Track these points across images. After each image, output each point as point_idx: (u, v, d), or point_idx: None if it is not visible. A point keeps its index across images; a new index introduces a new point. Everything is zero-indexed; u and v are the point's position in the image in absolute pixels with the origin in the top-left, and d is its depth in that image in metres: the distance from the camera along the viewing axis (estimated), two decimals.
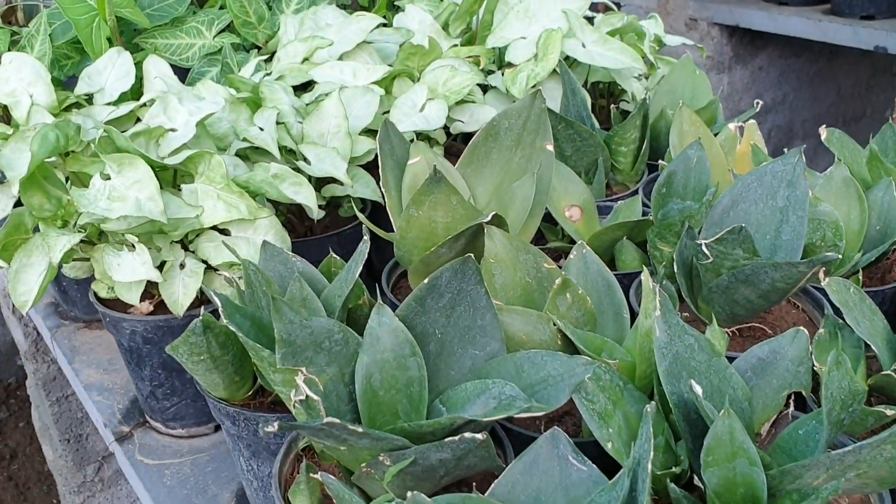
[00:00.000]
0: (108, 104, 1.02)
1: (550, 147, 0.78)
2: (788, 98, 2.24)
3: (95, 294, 0.81)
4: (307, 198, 0.81)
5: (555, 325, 0.63)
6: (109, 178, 0.75)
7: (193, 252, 0.78)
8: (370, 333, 0.57)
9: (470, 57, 1.12)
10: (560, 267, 0.70)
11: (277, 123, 0.88)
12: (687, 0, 1.97)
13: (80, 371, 0.96)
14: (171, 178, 0.81)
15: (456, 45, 1.18)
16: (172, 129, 0.81)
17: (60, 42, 1.18)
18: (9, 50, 1.19)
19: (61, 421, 1.36)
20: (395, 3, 1.35)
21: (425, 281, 0.59)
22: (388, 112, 0.99)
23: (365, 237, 0.69)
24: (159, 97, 0.83)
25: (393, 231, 0.77)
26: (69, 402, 1.37)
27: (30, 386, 1.62)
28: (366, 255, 0.68)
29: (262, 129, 0.88)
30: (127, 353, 0.82)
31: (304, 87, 1.11)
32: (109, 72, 1.04)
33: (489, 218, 0.67)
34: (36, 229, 0.80)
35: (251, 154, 0.88)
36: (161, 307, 0.80)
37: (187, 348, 0.59)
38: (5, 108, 1.19)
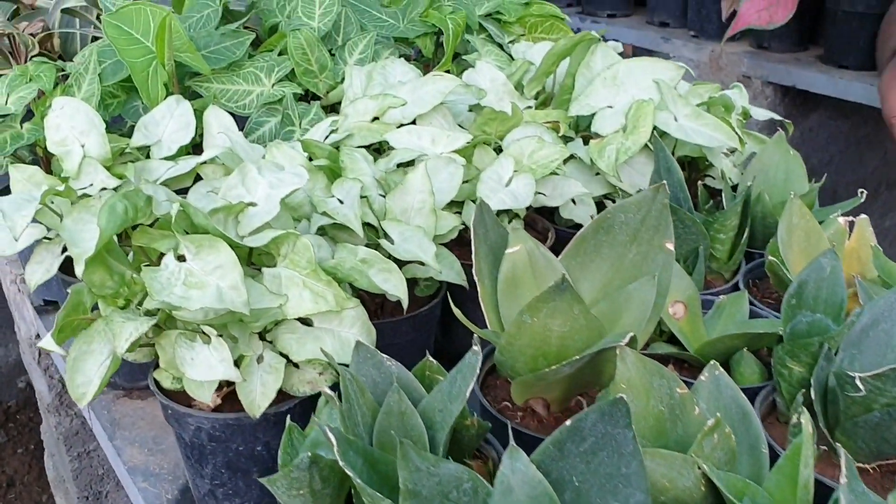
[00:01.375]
0: (166, 158, 0.95)
1: (671, 246, 0.71)
2: (835, 160, 2.18)
3: (157, 383, 0.73)
4: (397, 287, 0.74)
5: (699, 468, 0.56)
6: (184, 260, 0.68)
7: (272, 343, 0.71)
8: (502, 482, 0.50)
9: (548, 122, 1.05)
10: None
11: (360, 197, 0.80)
12: (741, 56, 1.91)
13: (123, 450, 0.88)
14: (247, 254, 0.74)
15: (530, 108, 1.11)
16: (252, 204, 0.73)
17: (110, 83, 1.11)
18: (55, 87, 1.12)
19: (81, 477, 1.28)
20: (462, 55, 1.28)
21: (567, 423, 0.51)
22: (468, 182, 0.92)
23: (475, 347, 0.62)
24: (239, 169, 0.75)
25: (475, 313, 0.71)
26: (90, 457, 1.29)
27: (45, 432, 1.53)
28: (477, 371, 0.60)
29: (341, 202, 0.81)
30: (187, 448, 0.74)
31: (371, 147, 1.04)
32: (167, 122, 0.97)
33: (627, 340, 0.59)
34: (94, 307, 0.73)
35: (329, 228, 0.81)
36: (229, 399, 0.73)
37: (287, 483, 0.51)
38: (45, 152, 1.11)
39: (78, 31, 1.54)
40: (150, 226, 0.72)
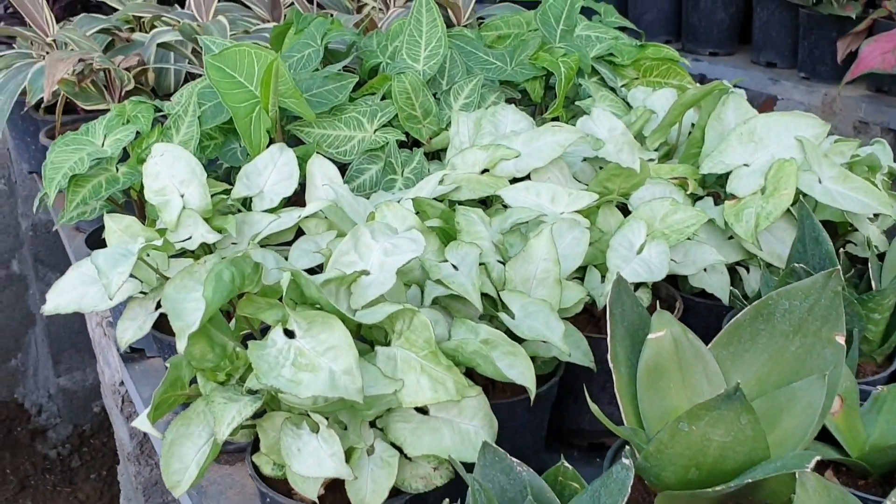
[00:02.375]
0: (268, 210, 0.89)
1: (841, 340, 0.62)
2: None
3: (255, 467, 0.66)
4: (523, 374, 0.66)
5: None
6: (293, 335, 0.61)
7: (383, 430, 0.63)
8: None
9: (675, 178, 0.97)
10: None
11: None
12: (858, 101, 1.79)
13: None
14: (357, 326, 0.67)
15: (652, 160, 1.03)
16: (365, 272, 0.67)
17: (209, 126, 1.07)
18: (152, 127, 1.09)
19: None
20: (573, 100, 1.21)
21: None
22: (591, 244, 0.84)
23: (625, 459, 0.53)
24: (352, 233, 0.69)
25: (594, 391, 0.63)
26: None
27: (122, 474, 1.50)
28: (628, 491, 0.52)
29: (456, 268, 0.73)
30: None
31: (482, 202, 0.97)
32: (270, 172, 0.92)
33: (811, 465, 0.50)
34: (192, 380, 0.67)
35: (442, 297, 0.74)
36: (333, 488, 0.66)
37: None
38: (139, 195, 1.07)
39: (173, 66, 1.52)
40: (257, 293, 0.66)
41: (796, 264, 0.75)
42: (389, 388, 0.60)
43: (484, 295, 0.73)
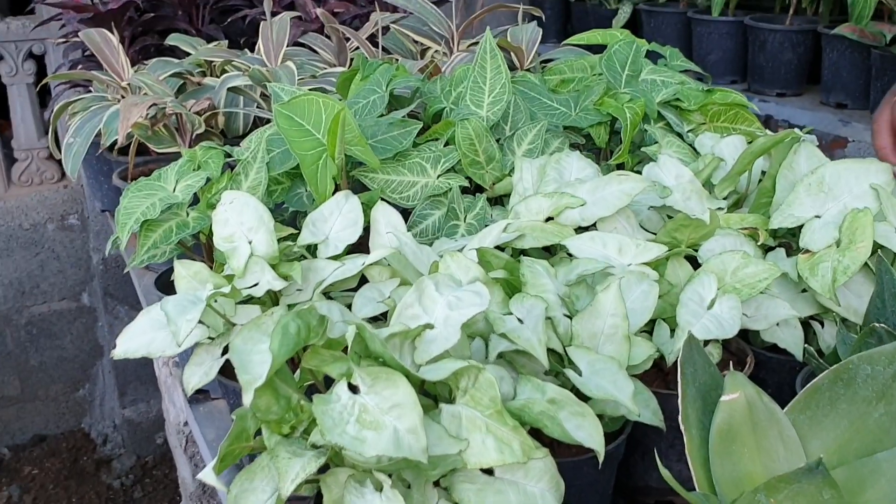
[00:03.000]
0: (332, 258, 0.90)
1: None
2: None
3: None
4: (592, 436, 0.65)
5: None
6: (357, 390, 0.61)
7: (447, 490, 0.63)
8: None
9: (745, 229, 0.94)
10: None
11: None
12: None
13: None
14: (421, 381, 0.67)
15: (721, 209, 1.01)
16: (429, 325, 0.66)
17: (278, 172, 1.08)
18: (222, 172, 1.11)
19: None
20: (638, 145, 1.20)
21: None
22: (661, 297, 0.82)
23: None
24: (417, 285, 0.69)
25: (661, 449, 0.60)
26: None
27: None
28: None
29: (521, 321, 0.72)
30: None
31: (546, 250, 0.96)
32: (335, 219, 0.93)
33: None
34: (257, 432, 0.67)
35: (505, 352, 0.73)
36: None
37: None
38: (208, 238, 1.09)
39: (242, 110, 1.55)
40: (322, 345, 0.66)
41: (877, 324, 0.72)
42: (454, 447, 0.60)
43: (550, 350, 0.72)
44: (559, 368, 0.71)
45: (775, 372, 0.88)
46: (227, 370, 0.88)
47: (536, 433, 0.67)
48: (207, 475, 0.64)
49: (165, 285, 1.10)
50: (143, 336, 0.84)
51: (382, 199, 0.96)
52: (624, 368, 0.69)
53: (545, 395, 0.65)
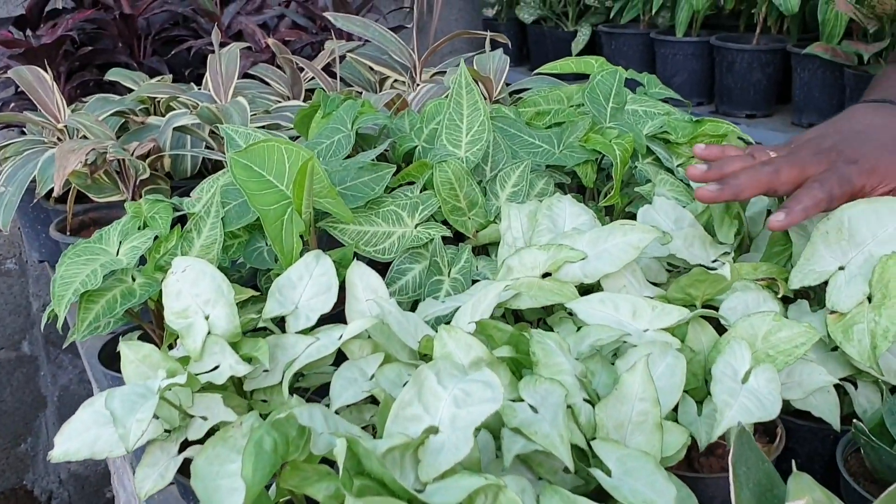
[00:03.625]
0: (304, 331, 0.78)
1: None
2: None
3: None
4: None
5: None
6: None
7: None
8: None
9: (762, 280, 0.85)
10: None
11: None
12: None
13: None
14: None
15: (727, 253, 0.92)
16: (433, 429, 0.55)
17: (234, 227, 0.96)
18: (172, 225, 0.98)
19: None
20: (628, 184, 1.11)
21: None
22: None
23: None
24: (414, 377, 0.58)
25: None
26: None
27: None
28: None
29: (535, 410, 0.62)
30: None
31: (546, 310, 0.86)
32: (305, 284, 0.81)
33: None
34: None
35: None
36: None
37: None
38: (157, 305, 0.97)
39: (189, 152, 1.43)
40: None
41: None
42: None
43: (572, 445, 0.62)
44: (583, 467, 0.61)
45: (807, 441, 0.79)
46: (186, 467, 0.76)
47: None
48: None
49: (110, 357, 0.97)
50: (86, 433, 0.72)
51: (358, 260, 0.85)
52: (660, 465, 0.59)
53: None
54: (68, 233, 1.34)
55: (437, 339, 0.67)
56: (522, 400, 0.63)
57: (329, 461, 0.56)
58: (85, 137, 1.32)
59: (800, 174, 0.83)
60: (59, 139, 1.42)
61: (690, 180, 0.85)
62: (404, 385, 0.73)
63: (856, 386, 0.80)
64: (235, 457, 0.53)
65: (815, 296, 0.86)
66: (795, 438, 0.79)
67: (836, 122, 0.93)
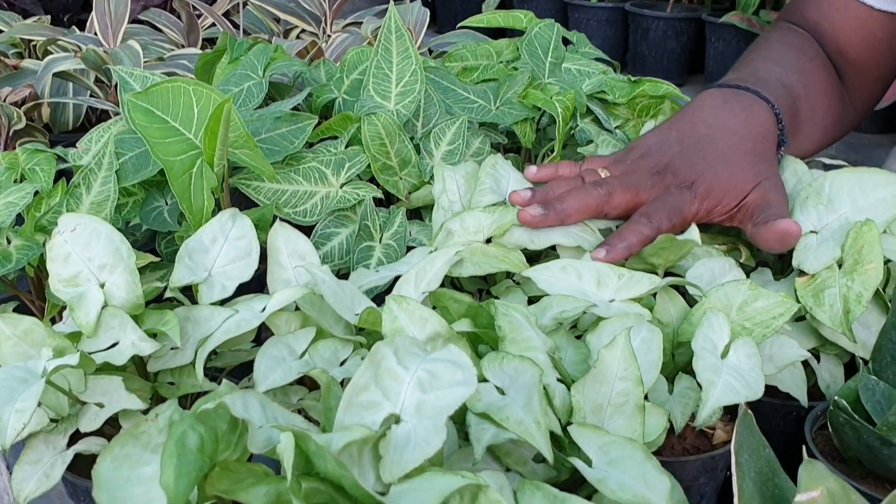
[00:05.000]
0: (220, 302, 0.67)
1: None
2: None
3: None
4: None
5: None
6: None
7: None
8: None
9: (722, 245, 0.80)
10: None
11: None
12: None
13: None
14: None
15: None
16: (395, 418, 0.46)
17: (131, 182, 0.83)
18: (55, 181, 0.85)
19: None
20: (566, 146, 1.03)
21: None
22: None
23: None
24: (370, 357, 0.48)
25: None
26: None
27: None
28: None
29: (502, 392, 0.53)
30: None
31: (483, 279, 0.78)
32: (220, 248, 0.70)
33: None
34: None
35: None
36: None
37: None
38: (37, 272, 0.83)
39: (72, 100, 1.27)
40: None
41: None
42: None
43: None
44: (560, 456, 0.53)
45: (769, 418, 0.74)
46: (77, 464, 0.63)
47: None
48: None
49: None
50: None
51: (281, 220, 0.74)
52: (650, 454, 0.52)
53: None
54: None
55: (386, 311, 0.58)
56: (486, 380, 0.55)
57: (267, 459, 0.46)
58: None
59: (633, 198, 0.77)
60: None
61: (512, 204, 0.78)
62: (341, 364, 0.63)
63: (818, 359, 0.75)
64: (150, 458, 0.43)
65: (774, 265, 0.81)
66: (758, 415, 0.74)
67: (680, 122, 0.87)
